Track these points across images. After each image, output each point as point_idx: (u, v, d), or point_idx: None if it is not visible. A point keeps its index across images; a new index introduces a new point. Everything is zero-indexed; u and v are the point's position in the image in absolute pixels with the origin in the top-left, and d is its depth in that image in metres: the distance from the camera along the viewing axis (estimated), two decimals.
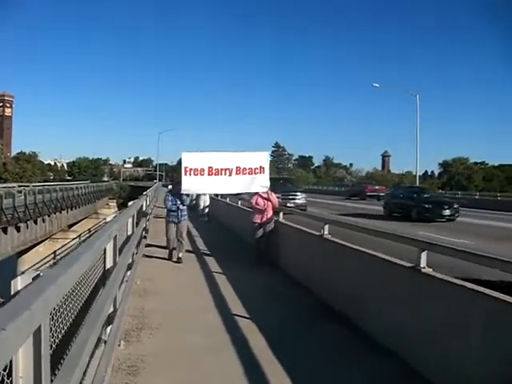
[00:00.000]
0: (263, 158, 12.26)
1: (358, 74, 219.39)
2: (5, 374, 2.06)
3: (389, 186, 49.74)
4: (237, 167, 11.81)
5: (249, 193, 13.23)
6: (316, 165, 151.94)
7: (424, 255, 5.58)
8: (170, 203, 12.23)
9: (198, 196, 22.09)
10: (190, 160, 11.76)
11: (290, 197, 26.21)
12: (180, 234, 12.31)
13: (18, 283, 2.35)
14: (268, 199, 11.99)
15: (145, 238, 12.29)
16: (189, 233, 13.51)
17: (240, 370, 5.30)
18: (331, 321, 7.20)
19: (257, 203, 12.06)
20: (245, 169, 11.85)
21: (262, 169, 11.96)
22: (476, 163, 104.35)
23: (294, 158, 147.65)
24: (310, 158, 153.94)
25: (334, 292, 8.05)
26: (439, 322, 5.13)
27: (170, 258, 12.26)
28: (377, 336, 6.31)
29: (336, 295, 7.93)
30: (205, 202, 23.82)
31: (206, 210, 23.96)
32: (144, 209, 13.93)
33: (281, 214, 12.22)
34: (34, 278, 2.41)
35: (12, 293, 2.30)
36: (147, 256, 12.28)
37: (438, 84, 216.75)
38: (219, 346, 6.09)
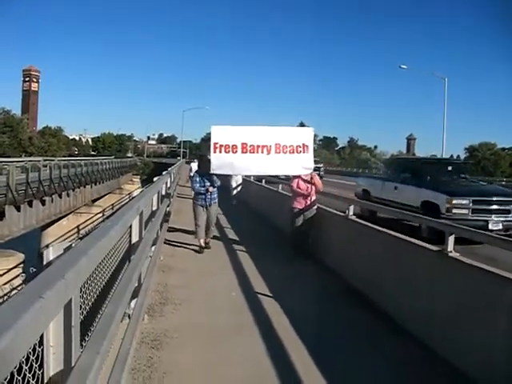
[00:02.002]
0: (308, 135, 10.33)
1: (385, 56, 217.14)
2: (36, 342, 2.09)
3: None
4: (276, 144, 9.85)
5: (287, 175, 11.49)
6: (340, 146, 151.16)
7: (451, 239, 5.53)
8: (198, 185, 10.79)
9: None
10: (220, 134, 9.89)
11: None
12: (209, 219, 10.92)
13: (50, 253, 2.37)
14: (311, 182, 10.33)
15: (166, 221, 10.51)
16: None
17: (263, 349, 5.33)
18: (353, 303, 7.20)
19: (298, 187, 10.43)
20: (285, 146, 9.87)
21: (305, 147, 10.03)
22: (504, 149, 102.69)
23: (318, 138, 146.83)
24: (335, 138, 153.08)
25: (355, 273, 8.04)
26: (465, 307, 5.09)
27: (200, 250, 10.74)
28: (400, 320, 6.28)
29: (358, 277, 7.91)
30: (237, 181, 21.12)
31: (237, 190, 21.35)
32: (164, 192, 11.80)
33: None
34: (65, 249, 2.43)
35: (44, 262, 2.32)
36: (169, 243, 10.97)
37: (467, 67, 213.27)
38: (243, 324, 6.13)
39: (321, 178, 36.86)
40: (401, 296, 6.47)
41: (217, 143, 9.75)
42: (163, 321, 6.10)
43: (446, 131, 46.59)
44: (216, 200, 11.07)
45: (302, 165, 9.95)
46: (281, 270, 9.00)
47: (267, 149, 9.77)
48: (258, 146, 9.76)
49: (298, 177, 10.36)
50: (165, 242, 10.15)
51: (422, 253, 6.07)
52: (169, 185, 13.86)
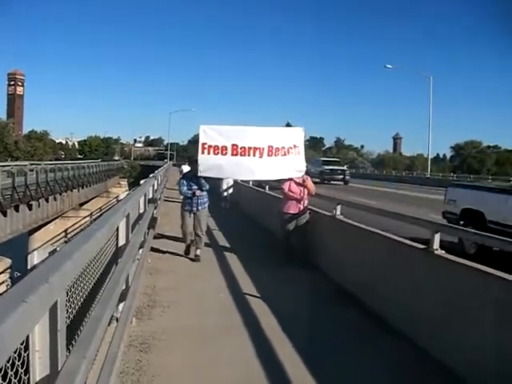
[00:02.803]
0: (298, 135, 9.74)
1: (370, 56, 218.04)
2: (21, 347, 2.08)
3: (400, 168, 51.03)
4: (269, 147, 9.17)
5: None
6: (327, 146, 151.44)
7: (437, 237, 5.57)
8: (185, 188, 9.83)
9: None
10: (208, 135, 9.20)
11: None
12: (198, 227, 9.95)
13: (35, 258, 2.37)
14: (304, 185, 9.52)
15: (152, 227, 9.60)
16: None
17: (252, 350, 5.34)
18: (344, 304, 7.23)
19: (291, 190, 9.57)
20: (277, 149, 9.23)
21: (296, 148, 9.46)
22: (489, 147, 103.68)
23: (305, 138, 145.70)
24: (322, 139, 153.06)
25: (344, 272, 8.06)
26: (452, 303, 5.12)
27: (186, 254, 10.12)
28: (389, 318, 6.30)
29: (347, 276, 7.94)
30: (228, 183, 19.97)
31: (226, 194, 20.33)
32: (151, 195, 11.05)
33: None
34: (50, 253, 2.43)
35: (29, 267, 2.32)
36: (155, 250, 10.09)
37: (451, 67, 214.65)
38: (231, 325, 6.14)
39: (346, 183, 37.12)
40: (389, 293, 6.50)
41: (205, 144, 9.13)
42: (151, 323, 6.08)
43: (432, 130, 47.31)
44: (205, 205, 10.10)
45: (294, 167, 9.43)
46: (271, 275, 8.53)
47: (260, 151, 9.15)
48: (250, 149, 9.13)
49: (290, 179, 9.58)
50: (151, 249, 9.47)
51: (409, 251, 6.11)
52: (155, 188, 13.49)
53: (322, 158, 44.65)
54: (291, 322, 6.25)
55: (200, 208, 9.95)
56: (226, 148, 9.10)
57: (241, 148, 9.11)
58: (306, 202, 9.67)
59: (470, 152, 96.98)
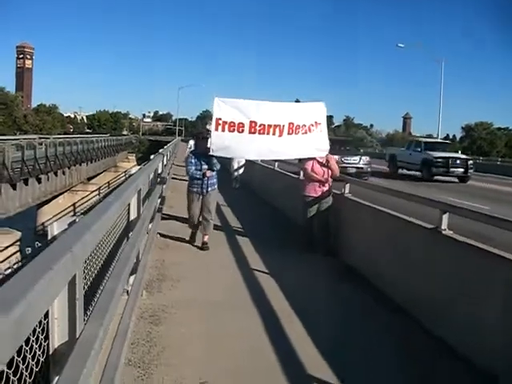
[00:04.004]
0: (320, 111, 8.83)
1: (382, 34, 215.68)
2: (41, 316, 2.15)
3: None
4: (290, 124, 8.39)
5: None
6: (336, 124, 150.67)
7: (445, 217, 5.59)
8: (194, 168, 8.80)
9: None
10: (224, 109, 8.30)
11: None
12: (207, 210, 8.94)
13: (55, 228, 2.43)
14: (327, 166, 8.74)
15: (159, 210, 9.03)
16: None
17: (259, 323, 5.44)
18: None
19: (313, 171, 8.75)
20: (298, 126, 8.45)
21: (318, 126, 8.64)
22: (499, 129, 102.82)
23: None
24: (331, 117, 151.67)
25: (353, 252, 8.12)
26: (459, 284, 5.16)
27: (191, 242, 9.19)
28: (395, 296, 6.39)
29: (357, 256, 8.01)
30: (239, 162, 18.48)
31: (238, 173, 18.87)
32: (160, 171, 10.50)
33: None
34: (69, 224, 2.49)
35: (49, 237, 2.38)
36: (161, 240, 9.18)
37: (464, 46, 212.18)
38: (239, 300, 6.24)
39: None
40: (398, 275, 6.55)
41: (219, 119, 8.24)
42: (161, 296, 6.17)
43: (443, 110, 46.54)
44: (215, 186, 9.10)
45: (316, 146, 8.65)
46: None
47: (280, 129, 8.37)
48: (270, 126, 8.31)
49: (313, 159, 8.77)
50: (157, 239, 8.77)
51: (418, 231, 6.15)
52: (164, 163, 13.38)
53: (424, 139, 30.05)
54: (296, 296, 6.33)
55: (210, 190, 8.94)
56: (242, 125, 8.25)
57: (259, 125, 8.28)
58: (330, 184, 8.86)
59: (481, 133, 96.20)
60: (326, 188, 8.74)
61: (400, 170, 26.71)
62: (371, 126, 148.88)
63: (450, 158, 24.01)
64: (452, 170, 23.82)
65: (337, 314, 5.96)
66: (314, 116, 8.68)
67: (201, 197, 8.92)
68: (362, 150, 28.05)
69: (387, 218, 7.04)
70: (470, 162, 24.92)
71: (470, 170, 24.40)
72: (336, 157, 18.38)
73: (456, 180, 24.12)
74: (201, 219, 9.07)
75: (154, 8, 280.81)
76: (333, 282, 7.21)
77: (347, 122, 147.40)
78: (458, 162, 24.29)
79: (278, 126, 8.35)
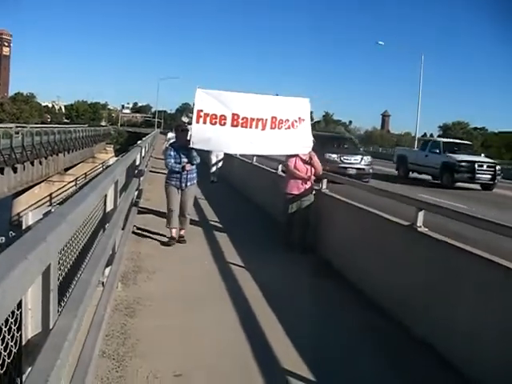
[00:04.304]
0: (305, 107, 8.67)
1: (362, 31, 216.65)
2: (15, 305, 2.13)
3: (386, 146, 47.20)
4: (272, 118, 8.15)
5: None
6: (315, 120, 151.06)
7: (421, 214, 5.66)
8: (173, 161, 8.52)
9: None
10: (205, 100, 7.99)
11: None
12: (184, 205, 8.74)
13: (29, 218, 2.41)
14: (310, 164, 8.60)
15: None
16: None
17: (235, 316, 5.46)
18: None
19: (296, 168, 8.61)
20: (281, 121, 8.23)
21: (302, 122, 8.46)
22: (476, 128, 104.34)
23: None
24: (311, 112, 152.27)
25: (331, 248, 8.17)
26: (433, 280, 5.23)
27: (170, 242, 8.56)
28: (369, 292, 6.46)
29: (334, 251, 8.06)
30: (217, 156, 18.12)
31: (217, 167, 18.51)
32: (138, 162, 10.23)
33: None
34: (44, 214, 2.47)
35: (24, 227, 2.36)
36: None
37: (443, 47, 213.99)
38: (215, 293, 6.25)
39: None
40: (374, 271, 6.61)
41: (201, 111, 7.93)
42: (136, 289, 6.16)
43: (421, 109, 46.99)
44: (194, 181, 8.89)
45: (300, 142, 8.46)
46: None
47: (262, 123, 8.12)
48: (253, 120, 8.07)
49: (296, 156, 8.61)
50: (133, 232, 8.44)
51: (393, 227, 6.20)
52: (142, 155, 13.10)
53: (443, 139, 25.96)
54: (273, 291, 6.35)
55: (189, 184, 8.71)
56: (224, 117, 7.97)
57: (242, 118, 8.02)
58: (312, 181, 8.73)
59: (457, 133, 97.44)
60: (307, 185, 8.59)
61: (411, 174, 24.48)
62: (350, 122, 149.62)
63: (475, 162, 21.16)
64: (478, 176, 20.96)
65: (312, 308, 5.99)
66: (297, 111, 8.47)
67: (179, 190, 8.65)
68: (362, 149, 24.84)
69: (364, 214, 7.09)
70: (498, 167, 21.90)
71: (498, 177, 21.67)
72: (334, 156, 18.87)
73: (478, 187, 21.50)
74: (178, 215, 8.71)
75: None
76: (309, 278, 7.24)
77: (326, 117, 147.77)
78: (485, 167, 21.28)
79: (260, 120, 8.10)
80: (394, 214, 6.56)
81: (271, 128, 8.17)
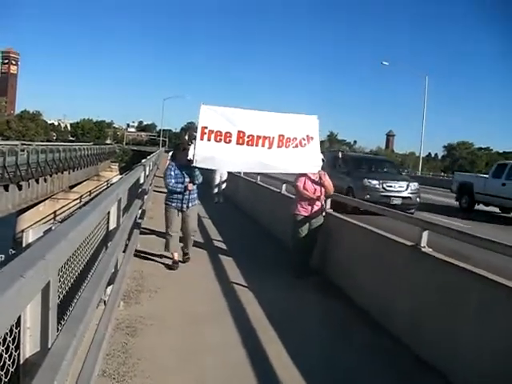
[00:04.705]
0: (313, 125, 8.26)
1: (367, 52, 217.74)
2: (13, 323, 2.11)
3: None
4: (280, 136, 7.84)
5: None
6: (320, 140, 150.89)
7: (425, 235, 5.63)
8: (174, 181, 8.15)
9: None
10: (210, 117, 7.65)
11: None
12: (188, 227, 8.34)
13: (30, 236, 2.40)
14: (320, 184, 8.17)
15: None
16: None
17: (237, 337, 5.40)
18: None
19: (305, 188, 8.20)
20: (289, 139, 7.91)
21: (310, 139, 8.10)
22: (480, 148, 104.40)
23: None
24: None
25: (334, 267, 8.11)
26: (437, 300, 5.19)
27: (174, 266, 8.17)
28: (373, 312, 6.41)
29: (337, 271, 8.00)
30: (221, 175, 17.24)
31: (221, 188, 17.56)
32: (142, 187, 9.87)
33: (328, 200, 8.58)
34: (45, 232, 2.46)
35: (24, 245, 2.35)
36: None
37: (448, 67, 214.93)
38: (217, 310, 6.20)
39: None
40: (376, 289, 6.58)
41: (205, 128, 7.57)
42: (138, 308, 6.12)
43: (426, 129, 47.10)
44: (196, 202, 8.46)
45: (308, 161, 8.06)
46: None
47: (269, 141, 7.79)
48: (259, 138, 7.73)
49: (305, 175, 8.25)
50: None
51: (398, 247, 6.17)
52: (147, 173, 12.76)
53: None
54: (277, 312, 6.31)
55: (190, 205, 8.28)
56: (230, 135, 7.63)
57: (248, 136, 7.68)
58: (322, 202, 8.32)
59: (462, 153, 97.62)
60: (317, 206, 8.18)
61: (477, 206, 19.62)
62: (355, 142, 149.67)
63: None
64: None
65: (318, 331, 5.94)
66: (305, 129, 8.10)
67: (180, 213, 8.24)
68: (405, 172, 21.92)
69: (369, 234, 7.05)
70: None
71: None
72: (375, 182, 16.15)
73: None
74: (181, 236, 8.40)
75: (140, 17, 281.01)
76: (316, 300, 7.14)
77: (331, 137, 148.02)
78: None
79: (267, 138, 7.77)
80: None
81: (278, 146, 7.84)
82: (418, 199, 16.51)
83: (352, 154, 20.12)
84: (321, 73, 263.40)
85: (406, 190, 16.30)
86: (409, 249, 5.83)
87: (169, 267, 8.16)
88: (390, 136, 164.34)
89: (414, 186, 16.53)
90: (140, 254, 8.55)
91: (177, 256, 8.28)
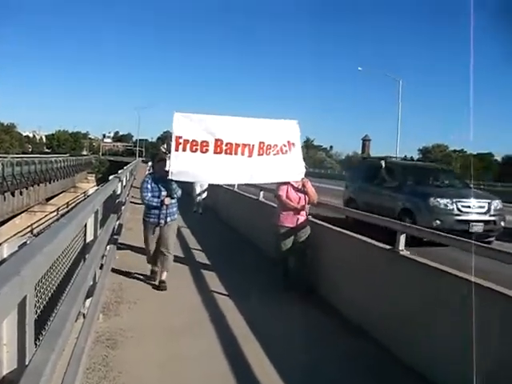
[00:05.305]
0: (293, 130, 7.75)
1: (340, 56, 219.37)
2: None
3: None
4: (260, 142, 7.38)
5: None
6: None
7: (402, 238, 5.67)
8: (150, 195, 7.58)
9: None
10: (185, 125, 7.17)
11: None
12: (165, 244, 7.72)
13: (4, 250, 2.36)
14: (303, 192, 7.71)
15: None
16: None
17: (218, 347, 5.37)
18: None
19: (288, 197, 7.69)
20: (269, 146, 7.45)
21: (292, 146, 7.63)
22: (455, 151, 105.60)
23: None
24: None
25: (316, 274, 8.08)
26: (414, 304, 5.22)
27: (152, 278, 8.00)
28: (349, 315, 6.46)
29: (318, 277, 7.92)
30: (201, 186, 16.87)
31: (201, 197, 17.19)
32: (119, 198, 9.54)
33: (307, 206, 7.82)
34: (20, 246, 2.43)
35: None
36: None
37: (421, 69, 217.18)
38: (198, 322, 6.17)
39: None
40: (352, 292, 6.60)
41: (180, 137, 7.08)
42: (118, 320, 6.06)
43: (401, 133, 47.48)
44: (175, 216, 7.87)
45: (291, 169, 7.62)
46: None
47: (249, 149, 7.33)
48: (238, 145, 7.27)
49: (287, 184, 7.74)
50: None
51: (375, 251, 6.21)
52: (124, 184, 12.54)
53: None
54: (259, 326, 6.29)
55: (169, 220, 7.72)
56: (207, 143, 7.15)
57: (226, 144, 7.23)
58: (307, 211, 7.85)
59: (437, 155, 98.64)
60: (302, 217, 7.69)
61: None
62: (331, 147, 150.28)
63: None
64: None
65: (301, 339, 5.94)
66: (286, 135, 7.63)
67: (157, 228, 7.68)
68: (483, 187, 17.10)
69: (348, 239, 7.05)
70: None
71: None
72: (445, 201, 11.92)
73: None
74: (158, 253, 7.83)
75: (113, 25, 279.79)
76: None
77: (307, 143, 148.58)
78: None
79: (247, 146, 7.30)
80: None
81: (259, 154, 7.38)
82: (502, 223, 12.28)
83: (401, 163, 15.50)
84: (296, 78, 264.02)
85: (488, 210, 12.14)
86: (387, 252, 5.87)
87: (148, 277, 7.99)
88: (366, 141, 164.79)
89: (496, 204, 12.40)
90: (119, 269, 8.31)
91: (163, 275, 7.75)
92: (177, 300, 7.12)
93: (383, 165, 14.30)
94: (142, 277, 8.17)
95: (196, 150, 7.10)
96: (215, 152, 7.15)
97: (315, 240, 7.68)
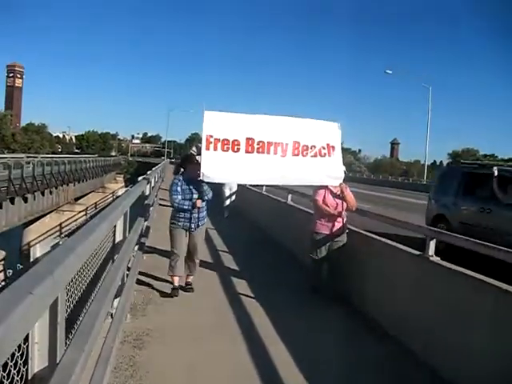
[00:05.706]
0: (334, 133, 7.37)
1: (372, 60, 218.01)
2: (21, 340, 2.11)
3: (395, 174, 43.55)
4: (295, 142, 7.01)
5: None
6: None
7: (432, 244, 5.60)
8: (180, 197, 7.17)
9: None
10: (215, 124, 6.82)
11: None
12: (194, 249, 7.41)
13: (37, 251, 2.39)
14: (342, 198, 7.34)
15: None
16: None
17: (244, 348, 5.37)
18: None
19: (325, 202, 7.37)
20: (306, 147, 7.07)
21: (331, 149, 7.25)
22: (485, 155, 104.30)
23: None
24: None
25: (343, 276, 8.00)
26: (444, 310, 5.16)
27: (173, 293, 7.17)
28: (382, 321, 6.36)
29: (343, 280, 7.84)
30: (231, 188, 16.14)
31: (229, 201, 16.47)
32: (147, 200, 9.41)
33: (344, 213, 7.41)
34: (52, 247, 2.46)
35: (31, 259, 2.35)
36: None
37: (452, 74, 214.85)
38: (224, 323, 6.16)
39: None
40: (383, 298, 6.54)
41: (211, 136, 6.73)
42: (145, 320, 6.10)
43: (431, 137, 47.08)
44: (205, 220, 7.53)
45: (329, 173, 7.21)
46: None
47: (282, 148, 6.95)
48: (270, 144, 6.90)
49: (325, 188, 7.42)
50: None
51: (405, 257, 6.14)
52: (152, 185, 12.34)
53: None
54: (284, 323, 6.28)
55: (200, 224, 7.37)
56: (238, 142, 6.79)
57: (258, 143, 6.86)
58: (345, 218, 7.41)
59: (467, 160, 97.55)
60: (339, 223, 7.32)
61: None
62: (359, 150, 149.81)
63: None
64: None
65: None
66: (325, 137, 7.24)
67: (187, 233, 7.30)
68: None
69: (375, 243, 6.97)
70: None
71: None
72: None
73: None
74: (186, 260, 7.46)
75: (145, 28, 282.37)
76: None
77: None
78: None
79: (280, 144, 6.94)
80: None
81: (294, 155, 7.01)
82: None
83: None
84: (326, 81, 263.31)
85: None
86: (416, 258, 5.81)
87: (166, 295, 7.20)
88: (394, 144, 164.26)
89: None
90: (146, 270, 8.24)
91: (177, 281, 7.33)
92: (203, 301, 7.11)
93: (496, 173, 10.57)
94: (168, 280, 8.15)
95: (228, 149, 6.76)
96: (247, 151, 6.82)
97: (349, 247, 7.38)
